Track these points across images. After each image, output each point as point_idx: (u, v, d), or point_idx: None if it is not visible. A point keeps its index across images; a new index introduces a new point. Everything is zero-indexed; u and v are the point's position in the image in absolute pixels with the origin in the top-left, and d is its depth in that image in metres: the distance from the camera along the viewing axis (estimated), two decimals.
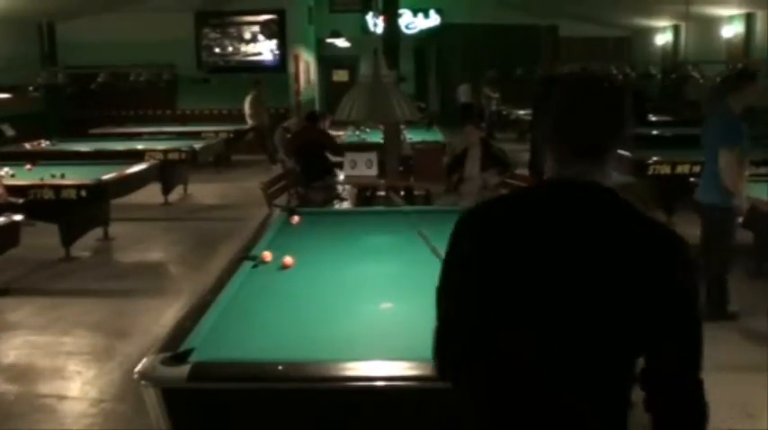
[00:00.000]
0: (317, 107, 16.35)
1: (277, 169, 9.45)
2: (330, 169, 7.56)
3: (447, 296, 1.45)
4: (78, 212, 6.58)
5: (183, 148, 9.05)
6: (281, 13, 13.91)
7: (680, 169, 6.74)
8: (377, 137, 8.54)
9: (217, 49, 14.01)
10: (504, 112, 16.17)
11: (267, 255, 3.42)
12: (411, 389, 2.08)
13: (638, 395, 1.38)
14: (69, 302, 5.35)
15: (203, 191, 10.02)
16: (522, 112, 14.38)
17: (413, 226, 2.48)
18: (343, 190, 7.85)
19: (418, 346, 2.09)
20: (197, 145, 9.41)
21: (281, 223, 4.29)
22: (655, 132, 9.93)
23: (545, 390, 1.33)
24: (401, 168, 6.78)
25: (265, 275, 3.24)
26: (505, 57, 16.92)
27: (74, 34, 13.14)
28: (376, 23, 15.36)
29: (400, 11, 13.25)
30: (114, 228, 7.30)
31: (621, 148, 1.42)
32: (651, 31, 16.73)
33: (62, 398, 3.85)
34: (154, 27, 12.97)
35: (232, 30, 13.99)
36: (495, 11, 17.36)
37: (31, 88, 11.06)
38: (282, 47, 14.01)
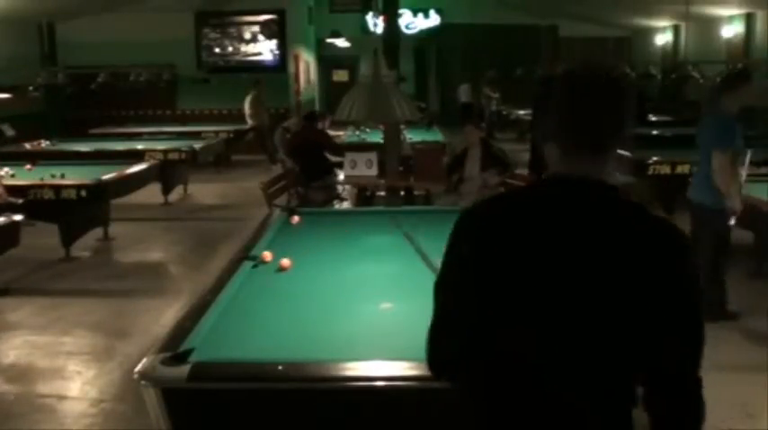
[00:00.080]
0: (316, 107, 16.35)
1: (277, 169, 9.44)
2: (330, 169, 7.57)
3: (446, 293, 1.45)
4: (78, 212, 6.58)
5: (183, 148, 9.05)
6: (281, 13, 13.91)
7: (680, 169, 6.75)
8: (377, 137, 8.54)
9: (217, 49, 14.01)
10: (504, 112, 16.18)
11: (267, 255, 3.42)
12: (411, 389, 2.08)
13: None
14: (69, 302, 5.35)
15: (203, 191, 10.02)
16: (522, 112, 14.39)
17: (399, 227, 2.47)
18: (343, 190, 7.85)
19: (418, 346, 2.09)
20: (197, 145, 9.42)
21: (281, 223, 4.29)
22: (655, 132, 9.93)
23: (546, 389, 1.32)
24: (401, 168, 6.77)
25: (265, 275, 3.24)
26: (505, 57, 16.93)
27: (74, 34, 13.14)
28: (376, 23, 15.36)
29: (400, 11, 13.25)
30: (114, 228, 7.30)
31: (623, 146, 1.41)
32: (651, 31, 16.73)
33: (62, 398, 3.85)
34: (154, 27, 12.97)
35: (232, 30, 14.00)
36: (495, 11, 17.36)
37: (31, 88, 11.07)
38: (282, 47, 14.01)
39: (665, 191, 7.07)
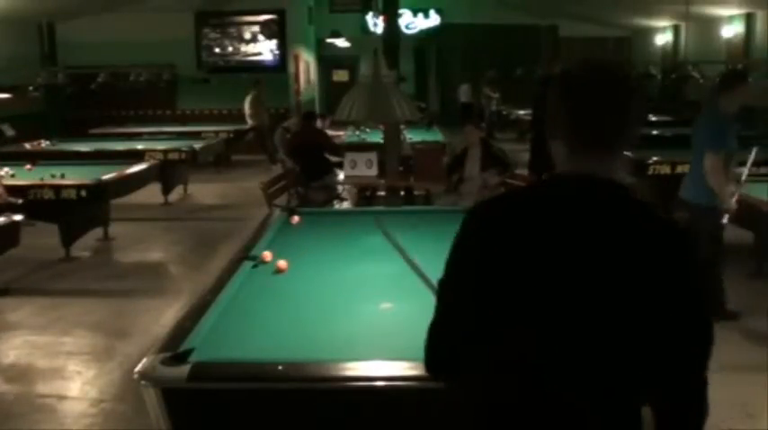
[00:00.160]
0: (316, 107, 16.36)
1: (277, 169, 9.45)
2: (330, 169, 7.57)
3: (450, 292, 1.43)
4: (78, 212, 6.58)
5: (183, 148, 9.05)
6: (281, 13, 13.91)
7: (680, 169, 6.72)
8: (377, 137, 8.54)
9: (217, 49, 14.01)
10: (504, 112, 16.18)
11: (267, 255, 3.41)
12: (411, 389, 2.08)
13: None
14: (69, 302, 5.35)
15: (203, 191, 10.02)
16: (522, 112, 14.39)
17: (378, 225, 2.47)
18: (343, 190, 7.86)
19: (418, 346, 2.09)
20: (197, 145, 9.42)
21: (281, 223, 4.29)
22: (655, 132, 9.93)
23: (553, 389, 1.31)
24: (401, 168, 6.78)
25: (265, 275, 3.24)
26: (505, 57, 16.94)
27: (74, 34, 13.14)
28: (376, 23, 15.38)
29: (400, 11, 13.25)
30: (114, 228, 7.30)
31: (632, 144, 1.38)
32: (651, 31, 16.73)
33: (62, 398, 3.85)
34: (154, 27, 12.97)
35: (232, 30, 14.00)
36: (495, 11, 17.36)
37: (31, 88, 11.07)
38: (282, 47, 14.01)
39: (665, 191, 7.07)
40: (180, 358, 2.19)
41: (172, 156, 8.84)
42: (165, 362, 2.16)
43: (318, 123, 9.20)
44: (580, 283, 1.29)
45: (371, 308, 2.88)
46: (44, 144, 9.61)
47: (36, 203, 6.16)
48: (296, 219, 4.39)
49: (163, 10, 12.92)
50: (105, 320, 4.99)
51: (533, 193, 1.44)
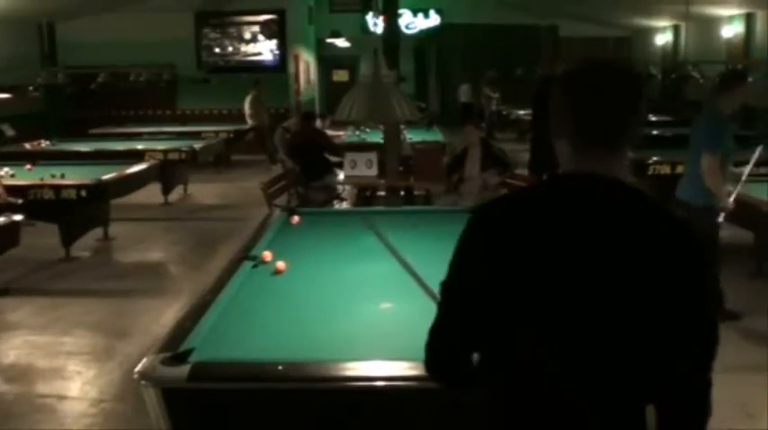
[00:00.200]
0: (316, 107, 16.36)
1: (277, 169, 9.45)
2: (330, 169, 7.57)
3: (454, 293, 1.42)
4: (78, 212, 6.58)
5: (183, 148, 9.05)
6: (281, 13, 13.91)
7: (680, 169, 6.70)
8: (377, 137, 8.55)
9: (217, 49, 14.01)
10: (504, 112, 16.18)
11: (267, 255, 3.41)
12: (411, 389, 2.08)
13: None
14: (69, 302, 5.35)
15: (203, 191, 10.02)
16: (522, 112, 14.39)
17: (370, 227, 2.47)
18: (343, 190, 7.86)
19: (418, 346, 2.09)
20: (197, 145, 9.42)
21: (281, 223, 4.29)
22: (655, 132, 9.93)
23: (560, 391, 1.31)
24: (401, 168, 6.78)
25: (265, 275, 3.24)
26: (505, 57, 16.94)
27: (74, 34, 13.14)
28: (376, 23, 15.37)
29: (400, 11, 13.25)
30: (114, 228, 7.30)
31: (634, 142, 1.36)
32: (651, 31, 16.73)
33: (62, 398, 3.85)
34: (154, 27, 12.97)
35: (232, 30, 14.00)
36: (495, 11, 17.36)
37: (31, 88, 11.08)
38: (282, 47, 14.01)
39: (665, 191, 7.07)
40: (180, 358, 2.19)
41: (172, 156, 8.84)
42: (165, 362, 2.16)
43: (318, 123, 9.21)
44: (586, 284, 1.28)
45: (371, 308, 2.88)
46: (44, 144, 9.61)
47: (36, 203, 6.16)
48: (296, 219, 4.39)
49: (163, 10, 12.92)
50: (105, 320, 4.99)
51: (538, 194, 1.42)
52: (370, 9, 16.47)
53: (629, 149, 1.36)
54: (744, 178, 4.78)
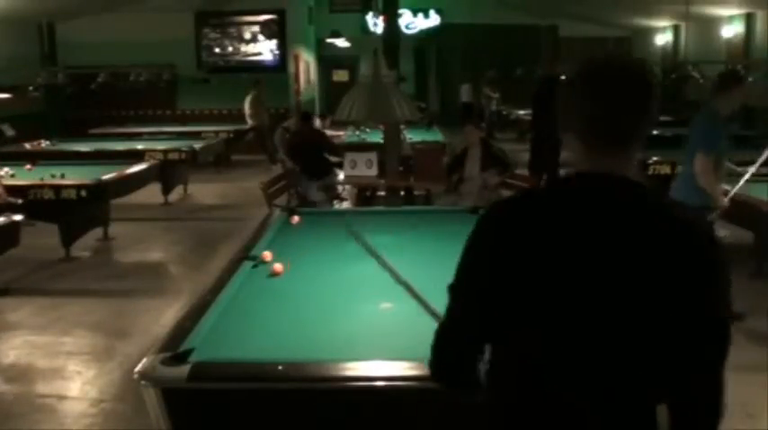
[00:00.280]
0: (316, 107, 16.37)
1: (277, 169, 9.45)
2: (330, 169, 7.57)
3: (463, 295, 1.40)
4: (78, 212, 6.58)
5: (183, 148, 9.05)
6: (281, 13, 13.91)
7: (680, 169, 6.74)
8: (377, 137, 8.55)
9: (217, 49, 14.02)
10: (504, 112, 16.18)
11: (267, 255, 3.41)
12: (411, 389, 2.08)
13: None
14: (69, 302, 5.35)
15: (203, 191, 10.02)
16: (522, 112, 14.39)
17: (348, 228, 2.45)
18: (343, 190, 7.86)
19: (418, 346, 2.09)
20: (197, 145, 9.42)
21: (281, 223, 4.29)
22: (655, 132, 9.92)
23: (572, 391, 1.30)
24: (401, 168, 6.78)
25: (265, 275, 3.23)
26: (505, 57, 16.93)
27: (74, 34, 13.15)
28: (376, 23, 15.37)
29: (400, 11, 13.24)
30: (114, 228, 7.30)
31: (645, 141, 1.35)
32: (651, 31, 16.73)
33: (62, 398, 3.85)
34: (154, 27, 12.97)
35: (232, 30, 14.00)
36: (495, 11, 17.36)
37: (31, 88, 11.08)
38: (282, 47, 14.01)
39: (665, 191, 7.07)
40: (180, 358, 2.19)
41: (172, 156, 8.84)
42: (165, 362, 2.16)
43: (318, 123, 9.21)
44: (599, 284, 1.26)
45: (371, 308, 2.87)
46: (44, 144, 9.61)
47: (36, 203, 6.16)
48: (296, 219, 4.38)
49: (163, 10, 12.93)
50: (105, 320, 4.99)
51: (550, 194, 1.41)
52: (370, 9, 16.48)
53: (639, 149, 1.35)
54: (747, 176, 4.78)
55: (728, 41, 12.94)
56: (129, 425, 3.50)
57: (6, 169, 7.01)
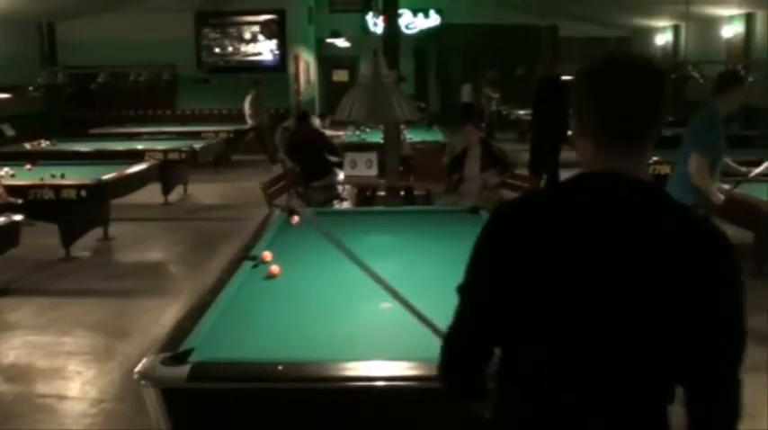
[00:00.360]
0: (316, 107, 16.37)
1: (277, 169, 9.45)
2: (329, 169, 7.57)
3: (472, 297, 1.39)
4: (78, 212, 6.58)
5: (183, 148, 9.05)
6: (281, 13, 13.92)
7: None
8: (377, 137, 8.55)
9: (217, 49, 14.02)
10: (504, 112, 16.17)
11: (267, 255, 3.41)
12: (411, 389, 2.08)
13: None
14: (69, 302, 5.35)
15: (203, 191, 10.02)
16: (522, 112, 14.38)
17: (318, 227, 2.45)
18: (343, 190, 7.85)
19: (418, 346, 2.09)
20: (197, 145, 9.42)
21: (281, 223, 4.29)
22: None
23: (584, 392, 1.29)
24: (401, 168, 6.78)
25: (265, 275, 3.23)
26: (505, 57, 16.93)
27: (74, 34, 13.15)
28: (376, 23, 15.38)
29: (400, 11, 13.25)
30: (114, 228, 7.30)
31: (656, 140, 1.33)
32: (651, 31, 16.73)
33: (62, 398, 3.85)
34: (154, 27, 12.98)
35: (232, 30, 14.00)
36: (495, 11, 17.36)
37: (31, 88, 11.09)
38: (282, 47, 14.01)
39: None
40: (180, 358, 2.19)
41: (172, 156, 8.84)
42: (165, 362, 2.16)
43: (318, 123, 9.20)
44: (611, 285, 1.25)
45: (371, 308, 2.87)
46: (44, 144, 9.61)
47: (36, 203, 6.16)
48: (296, 219, 4.38)
49: (163, 10, 12.93)
50: (105, 320, 4.99)
51: (559, 194, 1.39)
52: (370, 9, 16.48)
53: (651, 148, 1.34)
54: (751, 176, 4.78)
55: (728, 41, 12.94)
56: (129, 425, 3.50)
57: (6, 169, 7.01)
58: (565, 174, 8.13)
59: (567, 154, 8.33)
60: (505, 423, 1.40)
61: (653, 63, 1.33)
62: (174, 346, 2.29)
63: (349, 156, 6.93)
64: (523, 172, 7.69)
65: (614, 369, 1.28)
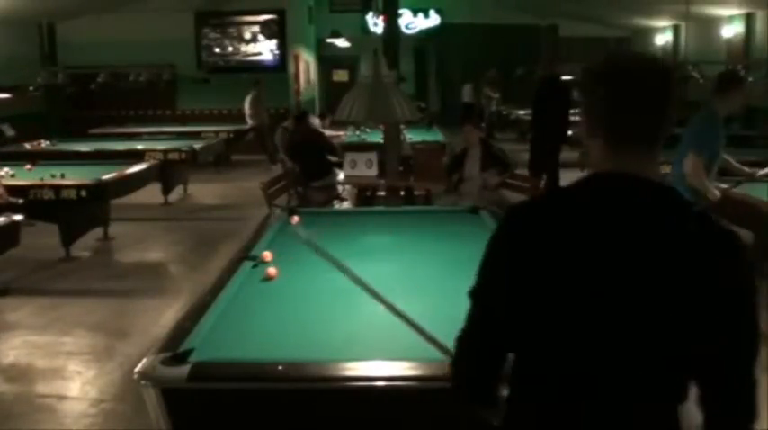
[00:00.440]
0: (316, 107, 16.37)
1: (277, 169, 9.45)
2: (329, 169, 7.57)
3: (485, 299, 1.38)
4: (78, 212, 6.58)
5: (183, 148, 9.05)
6: (281, 13, 13.92)
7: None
8: (377, 137, 8.55)
9: (217, 49, 14.02)
10: (504, 112, 16.18)
11: (267, 255, 3.41)
12: (411, 389, 2.08)
13: None
14: (69, 302, 5.35)
15: (203, 191, 10.02)
16: (522, 112, 14.38)
17: (297, 232, 2.44)
18: (343, 190, 7.85)
19: (418, 346, 2.09)
20: (197, 145, 9.42)
21: (281, 223, 4.29)
22: None
23: (595, 394, 1.29)
24: (401, 168, 6.78)
25: (262, 278, 3.23)
26: (505, 57, 16.92)
27: (74, 34, 13.15)
28: (376, 23, 15.39)
29: (400, 11, 13.25)
30: (114, 228, 7.30)
31: (665, 140, 1.33)
32: (651, 31, 16.73)
33: (62, 398, 3.85)
34: (154, 27, 12.98)
35: (232, 30, 14.00)
36: (494, 11, 17.37)
37: (31, 88, 11.10)
38: (282, 47, 14.01)
39: None
40: (180, 358, 2.19)
41: (172, 156, 8.84)
42: (165, 362, 2.16)
43: (318, 122, 9.20)
44: (625, 287, 1.25)
45: (371, 308, 2.87)
46: (44, 144, 9.61)
47: (36, 203, 6.16)
48: (296, 219, 4.38)
49: (163, 10, 12.93)
50: (105, 320, 4.99)
51: (571, 196, 1.37)
52: (370, 9, 16.48)
53: (661, 146, 1.33)
54: (757, 176, 4.78)
55: (728, 41, 12.94)
56: (129, 425, 3.50)
57: (6, 169, 7.01)
58: (565, 174, 8.16)
59: (567, 154, 8.33)
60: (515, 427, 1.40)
61: (661, 62, 1.33)
62: (173, 346, 2.29)
63: (349, 156, 6.93)
64: (523, 172, 7.69)
65: (629, 368, 1.27)
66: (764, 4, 11.06)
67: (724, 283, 1.25)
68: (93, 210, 6.89)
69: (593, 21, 16.62)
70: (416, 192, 7.31)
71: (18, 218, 5.18)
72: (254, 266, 3.32)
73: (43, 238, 6.42)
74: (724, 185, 4.81)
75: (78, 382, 4.03)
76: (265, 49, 14.02)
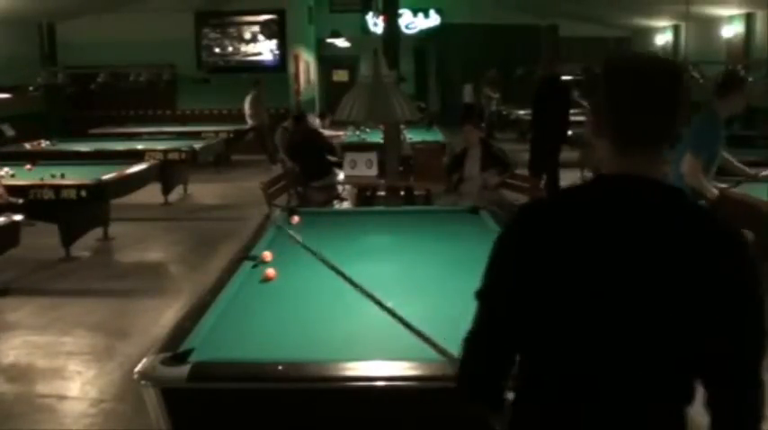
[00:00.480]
0: (316, 107, 16.37)
1: (277, 169, 9.45)
2: (329, 169, 7.57)
3: (493, 301, 1.38)
4: (78, 212, 6.58)
5: (183, 148, 9.05)
6: (281, 13, 13.92)
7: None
8: (377, 137, 8.55)
9: (217, 49, 14.02)
10: (504, 112, 16.18)
11: (267, 255, 3.41)
12: (411, 389, 2.08)
13: None
14: (69, 302, 5.35)
15: (203, 191, 10.02)
16: (522, 112, 14.38)
17: (283, 227, 2.43)
18: (343, 190, 7.86)
19: (418, 346, 2.09)
20: (197, 145, 9.42)
21: (281, 223, 4.29)
22: None
23: (602, 394, 1.30)
24: (401, 168, 6.78)
25: (261, 279, 3.22)
26: (505, 57, 16.93)
27: (74, 34, 13.16)
28: (376, 23, 15.39)
29: (400, 11, 13.25)
30: (114, 228, 7.30)
31: (674, 141, 1.34)
32: (651, 31, 16.73)
33: (62, 398, 3.85)
34: (154, 27, 12.99)
35: (232, 30, 14.00)
36: (494, 11, 17.37)
37: (31, 88, 11.11)
38: (282, 47, 14.01)
39: None
40: (180, 358, 2.19)
41: (172, 156, 8.84)
42: (165, 363, 2.16)
43: (318, 122, 9.21)
44: (633, 288, 1.25)
45: (371, 308, 2.87)
46: (44, 144, 9.61)
47: (36, 203, 6.16)
48: (296, 219, 4.38)
49: (163, 10, 12.94)
50: (105, 320, 4.99)
51: (579, 197, 1.37)
52: (370, 9, 16.48)
53: (669, 147, 1.33)
54: (761, 176, 4.77)
55: (728, 41, 12.94)
56: (129, 425, 3.50)
57: (6, 169, 7.01)
58: (565, 174, 8.15)
59: (567, 154, 8.33)
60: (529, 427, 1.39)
61: (670, 63, 1.33)
62: (173, 346, 2.29)
63: (349, 156, 6.93)
64: (523, 172, 7.69)
65: (640, 369, 1.28)
66: (764, 4, 11.07)
67: (731, 283, 1.26)
68: (93, 210, 6.89)
69: (593, 21, 16.62)
70: (416, 192, 7.31)
71: (18, 218, 5.18)
72: (254, 266, 3.32)
73: (43, 238, 6.42)
74: (724, 185, 4.81)
75: (78, 382, 4.03)
76: (265, 49, 14.02)
